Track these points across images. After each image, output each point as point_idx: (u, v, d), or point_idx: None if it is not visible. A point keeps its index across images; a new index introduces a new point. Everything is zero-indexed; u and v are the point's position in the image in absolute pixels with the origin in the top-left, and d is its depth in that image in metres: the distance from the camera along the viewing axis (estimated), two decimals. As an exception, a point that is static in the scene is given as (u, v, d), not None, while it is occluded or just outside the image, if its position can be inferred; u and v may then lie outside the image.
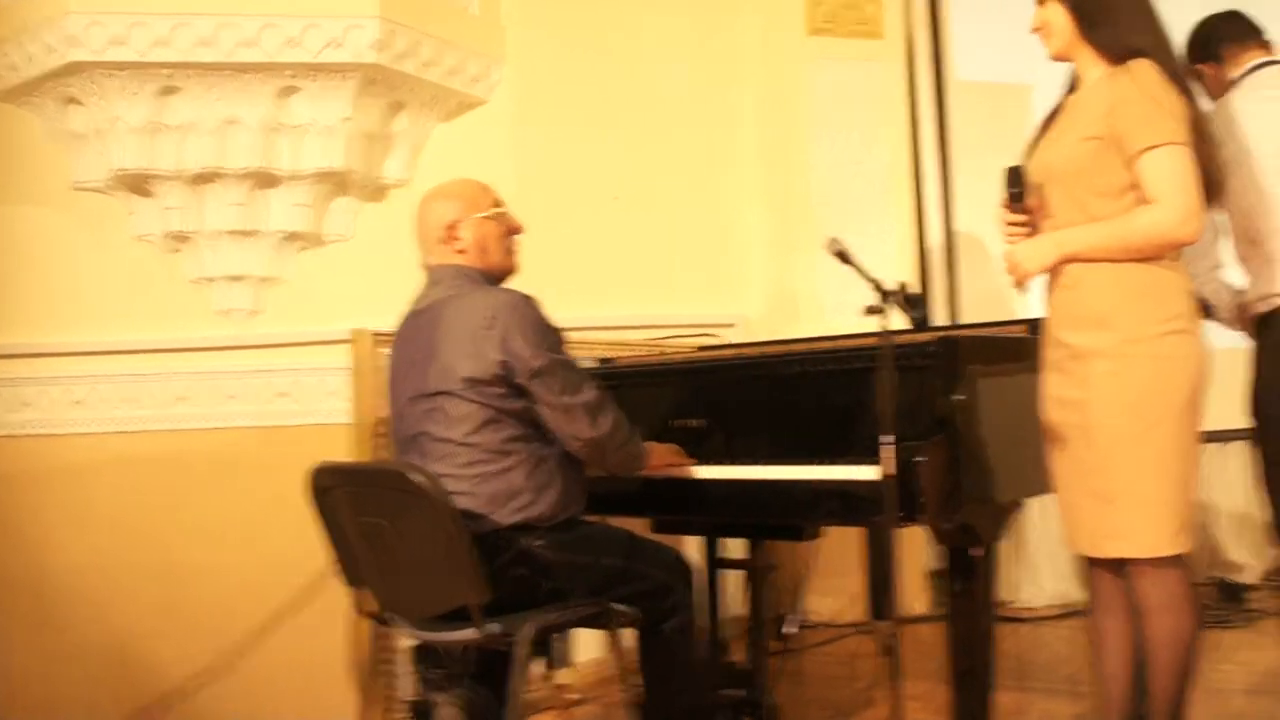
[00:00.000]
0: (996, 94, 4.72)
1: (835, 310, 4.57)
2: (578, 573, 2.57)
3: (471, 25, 4.42)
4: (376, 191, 4.37)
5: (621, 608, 2.59)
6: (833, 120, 4.68)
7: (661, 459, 2.86)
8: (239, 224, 4.10)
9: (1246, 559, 4.89)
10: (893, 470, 2.37)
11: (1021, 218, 2.52)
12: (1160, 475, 2.38)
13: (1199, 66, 2.97)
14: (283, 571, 3.82)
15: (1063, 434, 2.49)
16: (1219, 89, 2.93)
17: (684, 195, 4.73)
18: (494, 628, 2.39)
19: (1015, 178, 2.50)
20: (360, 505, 2.52)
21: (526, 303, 2.59)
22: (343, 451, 3.45)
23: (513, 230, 2.81)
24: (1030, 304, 4.50)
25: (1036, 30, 2.58)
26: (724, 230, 4.80)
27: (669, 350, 4.18)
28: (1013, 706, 3.30)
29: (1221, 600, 4.62)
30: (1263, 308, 2.69)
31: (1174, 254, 2.45)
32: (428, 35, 4.18)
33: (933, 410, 2.63)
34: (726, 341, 4.42)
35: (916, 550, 4.61)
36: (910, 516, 2.50)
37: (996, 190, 4.49)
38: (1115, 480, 2.39)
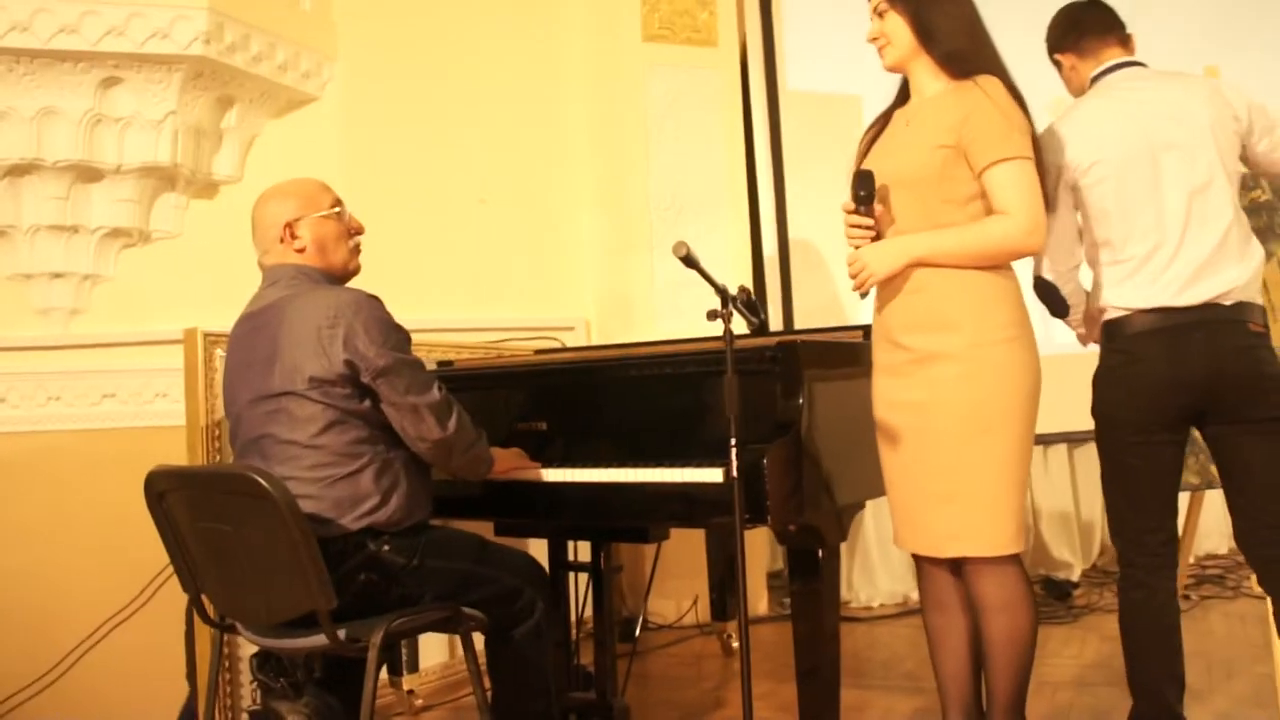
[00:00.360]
0: (827, 104, 4.84)
1: (671, 314, 4.62)
2: (427, 577, 2.54)
3: (303, 20, 4.33)
4: (206, 188, 4.25)
5: (472, 612, 2.57)
6: (669, 126, 4.73)
7: (506, 463, 2.84)
8: (59, 219, 3.94)
9: (1069, 557, 5.12)
10: (735, 473, 2.41)
11: (868, 221, 2.55)
12: (1001, 476, 2.47)
13: (1058, 56, 2.96)
14: (112, 578, 3.68)
15: (899, 436, 2.56)
16: (1077, 81, 2.93)
17: (519, 198, 4.73)
18: (343, 634, 2.34)
19: (865, 181, 2.53)
20: (199, 510, 2.44)
21: (370, 302, 2.54)
22: (174, 454, 3.33)
23: (354, 230, 2.75)
24: (864, 309, 4.67)
25: (874, 40, 2.64)
26: (560, 234, 4.81)
27: (507, 353, 4.17)
28: (854, 703, 3.37)
29: (1049, 597, 4.81)
30: (1110, 314, 2.75)
31: (1009, 263, 2.56)
32: (258, 29, 4.08)
33: (774, 414, 2.69)
34: (564, 345, 4.44)
35: (757, 552, 4.70)
36: (756, 518, 2.55)
37: (827, 198, 4.60)
38: (959, 481, 2.47)
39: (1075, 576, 5.06)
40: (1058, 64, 2.98)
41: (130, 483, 3.65)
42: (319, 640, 2.36)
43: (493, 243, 4.64)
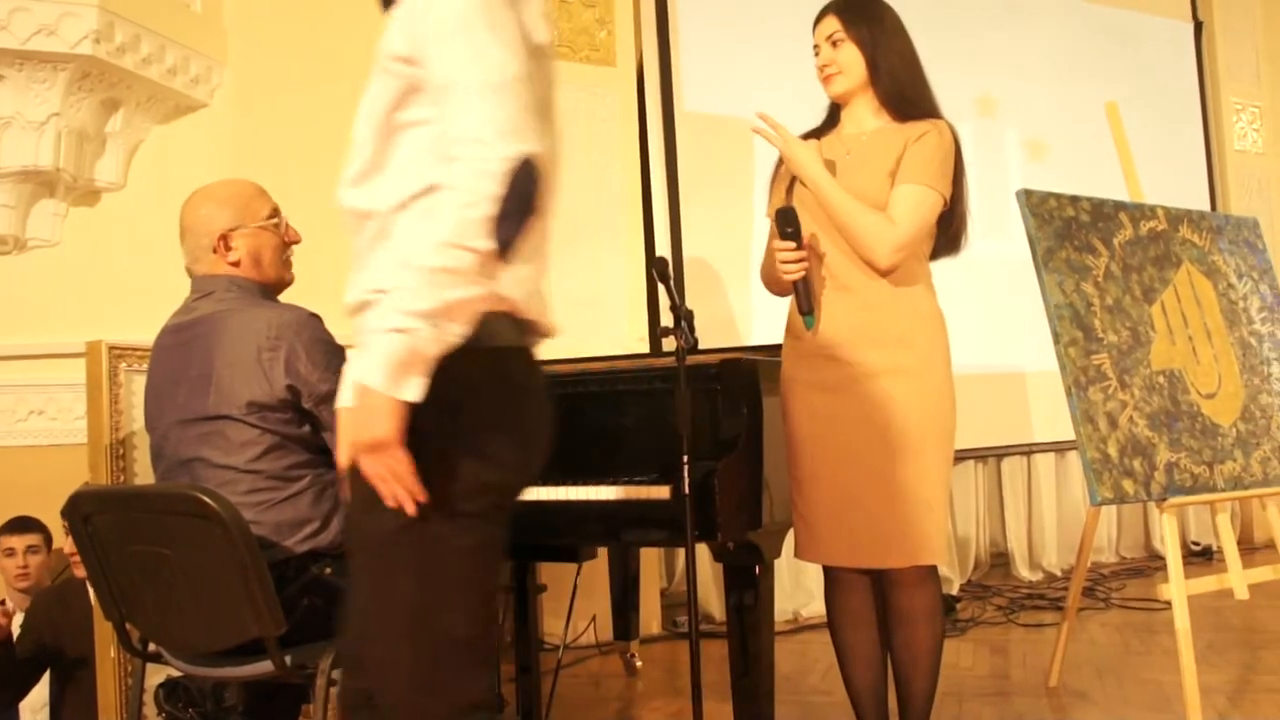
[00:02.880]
0: (722, 126, 4.89)
1: (564, 332, 4.55)
2: (370, 600, 2.46)
3: (194, 24, 4.17)
4: (87, 195, 4.05)
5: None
6: (567, 143, 4.67)
7: None
8: (-71, 223, 3.71)
9: (947, 572, 5.23)
10: (687, 490, 2.42)
11: (801, 254, 2.57)
12: (945, 488, 2.60)
13: None
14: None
15: (844, 451, 2.58)
16: None
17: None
18: (289, 660, 2.25)
19: (790, 217, 2.57)
20: (132, 532, 2.31)
21: (311, 321, 2.45)
22: (54, 474, 3.17)
23: (290, 241, 2.65)
24: (759, 328, 4.72)
25: (825, 68, 2.68)
26: (454, 249, 4.72)
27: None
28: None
29: (936, 613, 4.92)
30: None
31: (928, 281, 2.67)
32: (148, 30, 3.92)
33: (716, 431, 2.70)
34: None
35: (649, 569, 4.68)
36: (704, 535, 2.56)
37: (721, 218, 4.64)
38: (921, 492, 2.54)
39: (955, 590, 5.20)
40: None
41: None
42: (263, 668, 2.26)
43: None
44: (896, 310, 2.58)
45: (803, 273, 2.59)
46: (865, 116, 2.70)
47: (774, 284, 2.78)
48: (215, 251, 2.52)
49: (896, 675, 2.70)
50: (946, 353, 2.63)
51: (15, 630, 3.30)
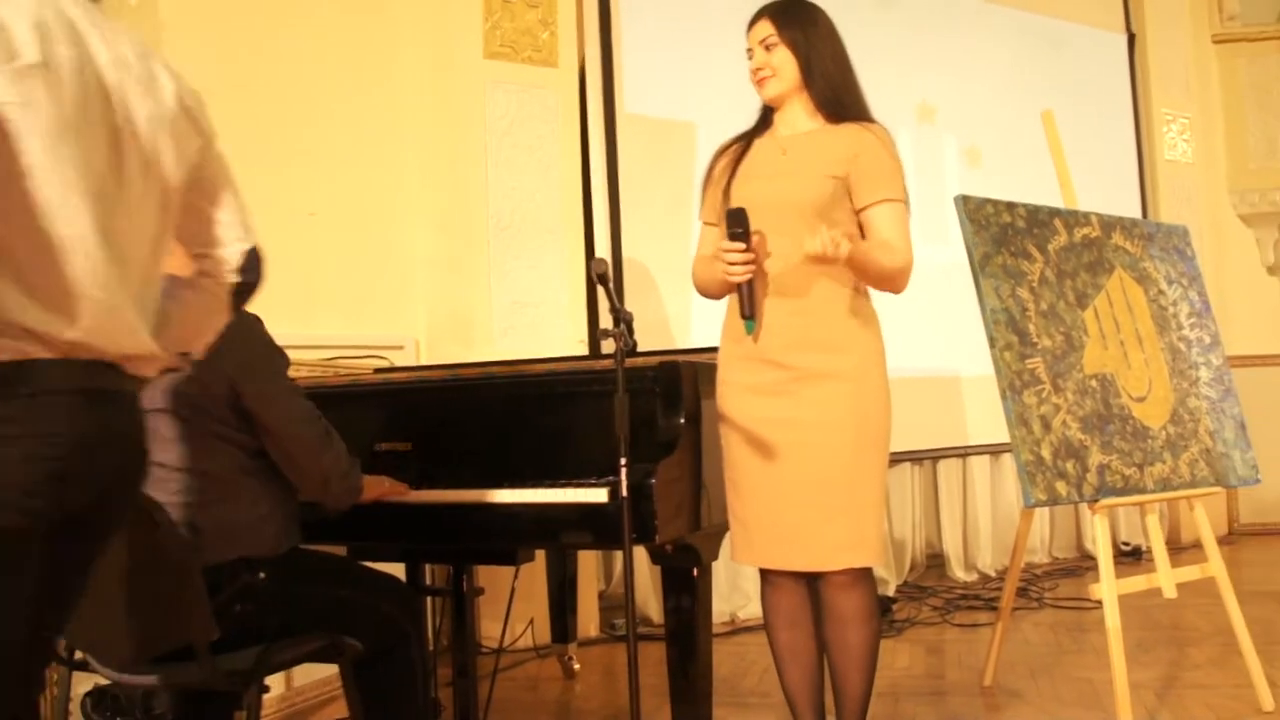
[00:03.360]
0: (663, 128, 4.91)
1: (508, 335, 4.57)
2: (304, 605, 2.43)
3: (128, 17, 4.10)
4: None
5: (352, 641, 2.48)
6: (508, 144, 4.68)
7: (375, 491, 2.74)
8: None
9: (883, 574, 5.28)
10: (625, 492, 2.41)
11: (750, 255, 2.58)
12: (879, 490, 2.62)
13: None
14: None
15: (779, 453, 2.59)
16: None
17: (351, 212, 4.58)
18: (220, 666, 2.22)
19: (740, 218, 2.57)
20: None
21: (254, 322, 2.43)
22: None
23: None
24: (698, 330, 4.74)
25: (758, 71, 2.70)
26: (392, 251, 4.68)
27: (343, 372, 4.04)
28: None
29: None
30: None
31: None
32: (79, 24, 3.84)
33: (654, 434, 2.70)
34: (393, 364, 4.32)
35: (587, 572, 4.68)
36: (642, 537, 2.55)
37: (661, 220, 4.64)
38: (852, 495, 2.56)
39: (891, 591, 5.24)
40: None
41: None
42: (193, 675, 2.23)
43: (321, 257, 4.48)
44: (834, 314, 2.60)
45: (749, 275, 2.59)
46: (799, 119, 2.72)
47: (710, 286, 2.78)
48: None
49: (833, 676, 2.71)
50: (882, 356, 2.66)
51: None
